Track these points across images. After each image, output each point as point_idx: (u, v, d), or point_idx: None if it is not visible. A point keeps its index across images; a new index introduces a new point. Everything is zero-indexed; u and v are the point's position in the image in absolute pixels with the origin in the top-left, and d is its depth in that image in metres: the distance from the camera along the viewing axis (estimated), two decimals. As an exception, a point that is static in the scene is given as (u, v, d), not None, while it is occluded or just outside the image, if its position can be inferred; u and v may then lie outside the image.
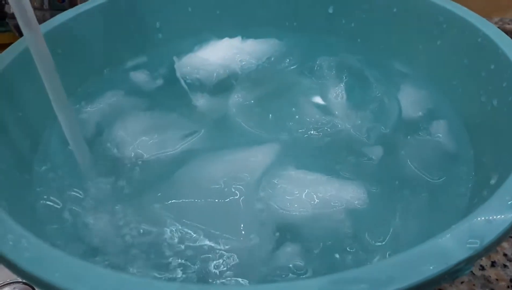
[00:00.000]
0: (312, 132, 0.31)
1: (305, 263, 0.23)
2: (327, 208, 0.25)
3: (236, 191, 0.26)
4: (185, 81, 0.35)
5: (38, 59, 0.24)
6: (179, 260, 0.23)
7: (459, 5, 0.32)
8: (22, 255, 0.17)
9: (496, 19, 0.54)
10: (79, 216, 0.25)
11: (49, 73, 0.24)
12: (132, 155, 0.29)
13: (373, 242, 0.24)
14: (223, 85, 0.35)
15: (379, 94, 0.33)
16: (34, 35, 0.23)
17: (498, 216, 0.18)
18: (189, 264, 0.23)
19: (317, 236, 0.24)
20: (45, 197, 0.27)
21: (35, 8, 0.48)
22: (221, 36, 0.39)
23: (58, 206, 0.26)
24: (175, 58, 0.37)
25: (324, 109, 0.32)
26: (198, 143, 0.30)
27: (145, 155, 0.29)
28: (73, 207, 0.26)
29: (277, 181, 0.26)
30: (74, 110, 0.33)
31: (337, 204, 0.25)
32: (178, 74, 0.35)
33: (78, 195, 0.27)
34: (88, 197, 0.26)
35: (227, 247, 0.24)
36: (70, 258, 0.17)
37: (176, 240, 0.24)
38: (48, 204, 0.26)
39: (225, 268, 0.23)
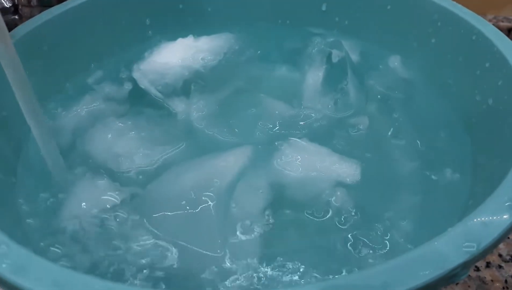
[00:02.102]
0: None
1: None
2: (318, 176, 0.27)
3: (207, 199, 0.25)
4: (156, 88, 0.33)
5: (8, 70, 0.23)
6: (156, 274, 0.23)
7: (454, 3, 0.32)
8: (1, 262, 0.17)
9: (490, 17, 0.53)
10: (59, 224, 0.24)
11: (20, 84, 0.23)
12: (107, 166, 0.28)
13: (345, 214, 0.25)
14: (190, 87, 0.34)
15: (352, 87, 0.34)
16: (4, 46, 0.22)
17: (495, 219, 0.18)
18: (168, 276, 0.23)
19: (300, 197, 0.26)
20: (28, 203, 0.26)
21: (23, 5, 0.46)
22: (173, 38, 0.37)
23: (40, 212, 0.25)
24: (134, 67, 0.35)
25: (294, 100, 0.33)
26: (179, 154, 0.29)
27: (118, 165, 0.28)
28: (54, 214, 0.25)
29: (277, 144, 0.29)
30: (53, 115, 0.32)
31: (328, 175, 0.27)
32: (143, 85, 0.33)
33: (58, 201, 0.26)
34: (67, 205, 0.26)
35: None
36: (53, 266, 0.16)
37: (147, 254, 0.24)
38: (31, 210, 0.26)
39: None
